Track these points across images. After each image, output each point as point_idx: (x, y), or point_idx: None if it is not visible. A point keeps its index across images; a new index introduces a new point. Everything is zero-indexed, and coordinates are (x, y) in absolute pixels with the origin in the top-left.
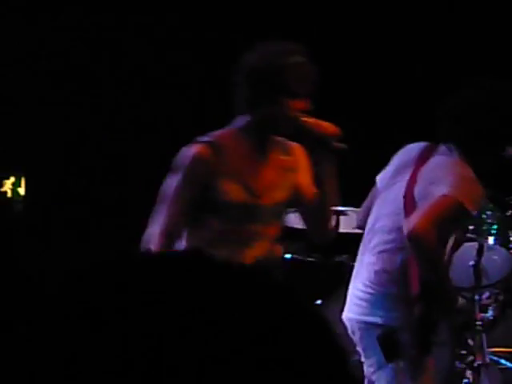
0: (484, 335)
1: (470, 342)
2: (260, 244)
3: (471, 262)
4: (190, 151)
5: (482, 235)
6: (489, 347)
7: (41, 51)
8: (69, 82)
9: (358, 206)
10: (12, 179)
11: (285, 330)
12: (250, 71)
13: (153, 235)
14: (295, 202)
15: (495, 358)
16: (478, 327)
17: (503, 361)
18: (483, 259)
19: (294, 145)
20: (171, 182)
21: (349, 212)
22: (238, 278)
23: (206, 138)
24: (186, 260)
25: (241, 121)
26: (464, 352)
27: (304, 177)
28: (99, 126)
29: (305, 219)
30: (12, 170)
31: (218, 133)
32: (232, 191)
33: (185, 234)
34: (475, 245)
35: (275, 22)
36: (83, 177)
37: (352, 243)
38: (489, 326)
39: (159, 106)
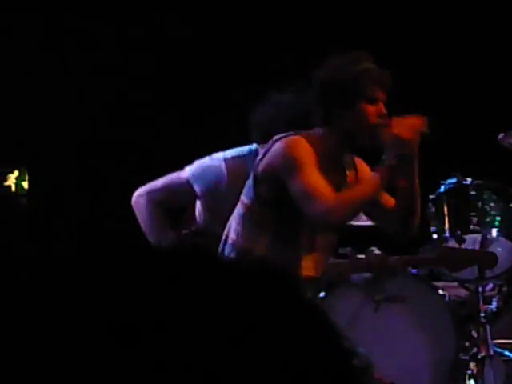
0: (488, 327)
1: (474, 333)
2: (314, 255)
3: None
4: (291, 143)
5: (485, 227)
6: (493, 339)
7: (46, 46)
8: (72, 74)
9: None
10: (16, 173)
11: (283, 327)
12: (324, 84)
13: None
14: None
15: (499, 350)
16: (482, 319)
17: (507, 352)
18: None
19: (357, 159)
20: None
21: None
22: (240, 277)
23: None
24: (190, 257)
25: (320, 131)
26: (468, 344)
27: None
28: (103, 119)
29: (385, 221)
30: (16, 163)
31: (303, 133)
32: None
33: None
34: (478, 236)
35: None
36: (87, 170)
37: (355, 236)
38: (493, 317)
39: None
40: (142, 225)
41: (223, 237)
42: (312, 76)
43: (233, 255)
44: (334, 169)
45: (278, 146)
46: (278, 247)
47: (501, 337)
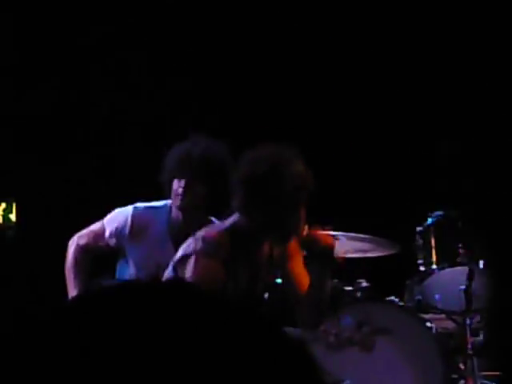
0: (475, 359)
1: (461, 365)
2: None
3: (462, 287)
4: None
5: (472, 259)
6: (480, 371)
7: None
8: (58, 101)
9: (349, 230)
10: (3, 205)
11: (266, 365)
12: (250, 180)
13: None
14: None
15: (487, 382)
16: (469, 351)
17: None
18: (474, 283)
19: None
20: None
21: (340, 236)
22: (222, 311)
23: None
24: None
25: (238, 220)
26: (455, 376)
27: (298, 264)
28: (90, 149)
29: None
30: (3, 196)
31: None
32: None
33: None
34: (465, 269)
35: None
36: (75, 201)
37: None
38: (480, 349)
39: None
40: (66, 266)
41: None
42: (241, 162)
43: None
44: (248, 258)
45: (190, 241)
46: None
47: (488, 369)
